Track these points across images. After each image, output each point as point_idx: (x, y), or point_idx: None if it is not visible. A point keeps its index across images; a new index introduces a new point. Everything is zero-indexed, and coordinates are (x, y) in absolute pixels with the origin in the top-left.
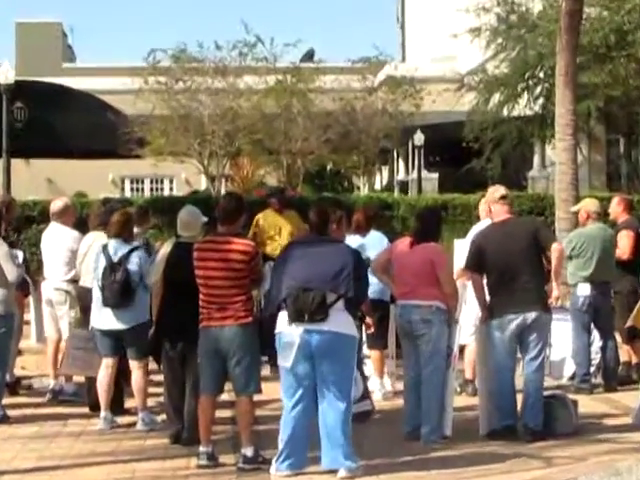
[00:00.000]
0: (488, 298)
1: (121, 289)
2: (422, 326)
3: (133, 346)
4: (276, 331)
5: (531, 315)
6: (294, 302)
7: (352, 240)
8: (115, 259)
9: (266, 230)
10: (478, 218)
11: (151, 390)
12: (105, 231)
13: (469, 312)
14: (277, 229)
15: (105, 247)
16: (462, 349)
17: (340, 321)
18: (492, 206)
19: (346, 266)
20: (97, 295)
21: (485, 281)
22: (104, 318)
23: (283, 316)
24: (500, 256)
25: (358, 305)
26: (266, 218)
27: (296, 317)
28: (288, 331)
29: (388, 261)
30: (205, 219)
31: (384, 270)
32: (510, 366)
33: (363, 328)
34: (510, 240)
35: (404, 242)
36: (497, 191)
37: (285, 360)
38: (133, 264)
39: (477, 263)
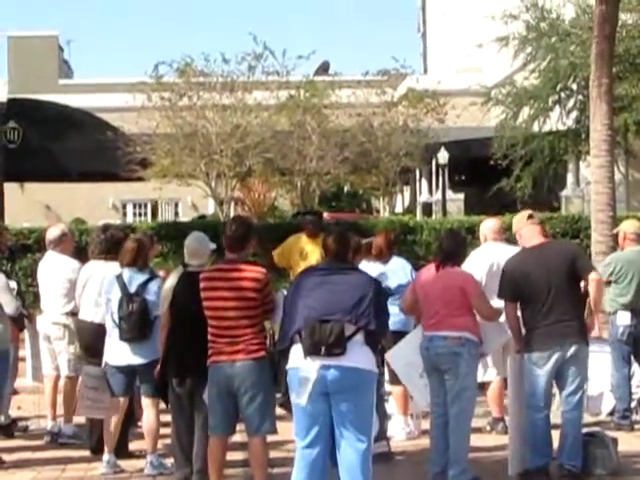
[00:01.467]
0: (523, 330)
1: (140, 321)
2: (450, 360)
3: (149, 382)
4: (288, 366)
5: (570, 349)
6: (310, 334)
7: (372, 268)
8: (131, 289)
9: (291, 253)
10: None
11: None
12: (105, 260)
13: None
14: (304, 254)
15: (119, 277)
16: (484, 385)
17: (359, 355)
18: (521, 231)
19: (366, 296)
20: (111, 329)
21: (519, 312)
22: (120, 353)
23: (297, 350)
24: (536, 285)
25: (379, 338)
26: (296, 241)
27: (312, 351)
28: (303, 366)
29: (416, 299)
30: (213, 246)
31: (414, 310)
32: (546, 402)
33: (384, 362)
34: (546, 267)
35: (429, 269)
36: (523, 216)
37: (299, 397)
38: (151, 294)
39: (510, 292)
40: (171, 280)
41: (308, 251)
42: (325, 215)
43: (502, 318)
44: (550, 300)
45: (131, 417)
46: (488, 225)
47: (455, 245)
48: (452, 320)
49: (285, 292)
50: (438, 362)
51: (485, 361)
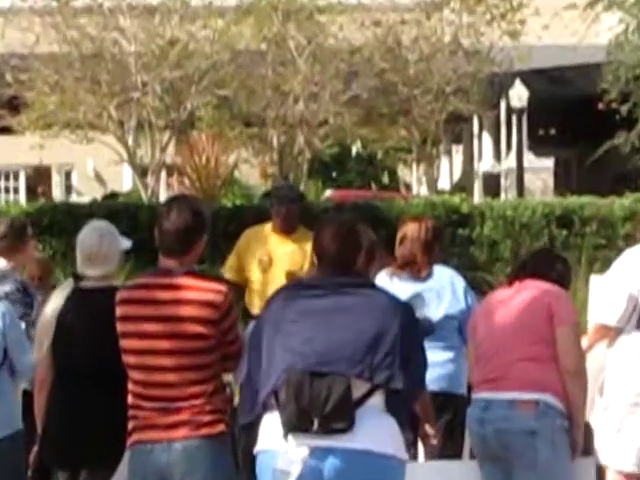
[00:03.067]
0: None
1: None
2: (521, 441)
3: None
4: (257, 449)
5: None
6: (295, 397)
7: (398, 286)
8: None
9: (247, 260)
10: (629, 239)
11: None
12: None
13: (612, 408)
14: (267, 261)
15: None
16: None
17: (376, 432)
18: None
19: (387, 332)
20: None
21: None
22: None
23: (271, 422)
24: None
25: (410, 403)
26: (255, 239)
27: (297, 424)
28: (281, 450)
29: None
30: (127, 244)
31: None
32: None
33: (418, 442)
34: None
35: (502, 293)
36: None
37: None
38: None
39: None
40: (54, 302)
41: (275, 257)
42: (327, 193)
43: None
44: None
45: None
46: None
47: (548, 266)
48: (523, 369)
49: (251, 326)
50: (499, 445)
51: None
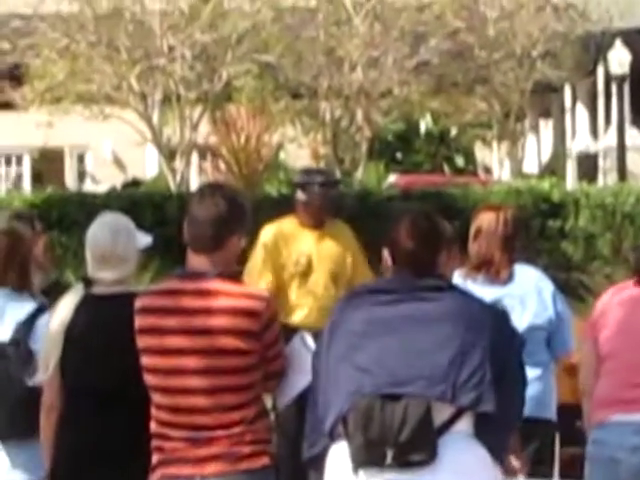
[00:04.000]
0: None
1: (24, 402)
2: None
3: None
4: None
5: None
6: (364, 425)
7: (477, 292)
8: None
9: (287, 266)
10: None
11: None
12: None
13: None
14: (305, 263)
15: None
16: None
17: (465, 465)
18: None
19: (475, 345)
20: None
21: None
22: None
23: (338, 455)
24: None
25: (505, 429)
26: (284, 239)
27: (369, 457)
28: None
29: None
30: (147, 240)
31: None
32: None
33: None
34: None
35: (622, 293)
36: None
37: None
38: (38, 341)
39: None
40: (62, 312)
41: (314, 258)
42: (391, 179)
43: None
44: None
45: None
46: None
47: None
48: None
49: (309, 340)
50: None
51: None
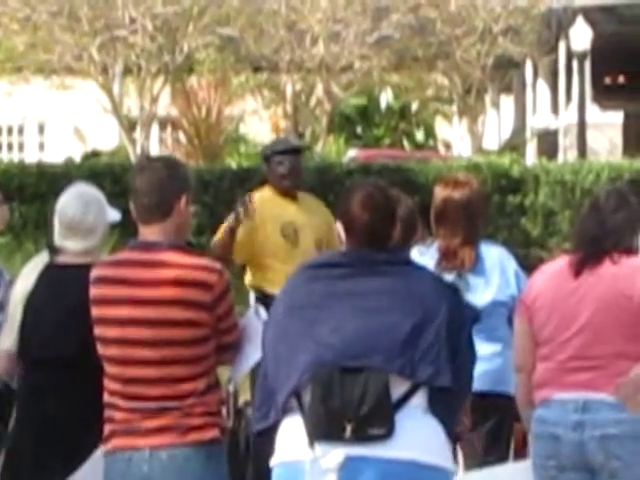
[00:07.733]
0: None
1: None
2: (623, 448)
3: None
4: (275, 462)
5: None
6: (322, 397)
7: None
8: None
9: (272, 235)
10: None
11: None
12: None
13: None
14: (296, 232)
15: None
16: None
17: (421, 439)
18: None
19: (431, 320)
20: None
21: None
22: None
23: (293, 428)
24: None
25: (458, 403)
26: (264, 207)
27: (326, 431)
28: (306, 460)
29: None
30: (116, 216)
31: (530, 359)
32: None
33: (457, 449)
34: None
35: (555, 269)
36: None
37: None
38: None
39: None
40: (24, 280)
41: (299, 227)
42: (351, 153)
43: None
44: None
45: None
46: None
47: (626, 216)
48: (625, 367)
49: (262, 312)
50: (596, 454)
51: None
